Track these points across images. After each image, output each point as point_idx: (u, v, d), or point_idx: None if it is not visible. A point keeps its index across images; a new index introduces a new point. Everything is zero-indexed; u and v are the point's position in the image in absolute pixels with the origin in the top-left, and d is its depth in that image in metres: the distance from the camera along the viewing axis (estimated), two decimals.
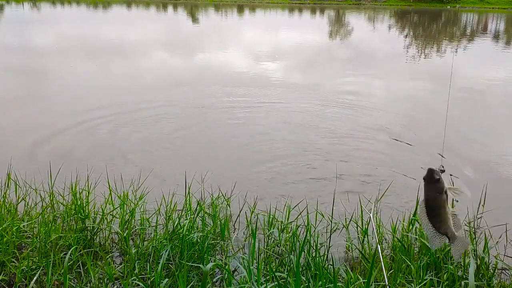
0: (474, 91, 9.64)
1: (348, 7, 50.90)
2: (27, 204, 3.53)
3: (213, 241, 3.15)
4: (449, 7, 50.97)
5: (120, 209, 3.43)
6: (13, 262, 2.80)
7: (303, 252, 2.83)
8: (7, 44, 15.28)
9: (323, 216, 3.63)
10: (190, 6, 46.35)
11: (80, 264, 2.83)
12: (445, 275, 2.74)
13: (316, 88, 9.71)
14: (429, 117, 7.41)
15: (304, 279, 2.56)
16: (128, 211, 3.42)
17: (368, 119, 7.13)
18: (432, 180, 1.86)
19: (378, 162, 5.31)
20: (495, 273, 2.92)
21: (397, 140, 6.14)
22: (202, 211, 3.40)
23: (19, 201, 3.56)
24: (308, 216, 3.38)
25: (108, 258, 2.93)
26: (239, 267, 2.90)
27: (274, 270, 2.71)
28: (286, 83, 10.14)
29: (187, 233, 2.94)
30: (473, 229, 3.54)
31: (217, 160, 5.27)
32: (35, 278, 2.60)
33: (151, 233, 3.33)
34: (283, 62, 13.58)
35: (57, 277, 2.66)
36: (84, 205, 3.27)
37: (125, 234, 3.09)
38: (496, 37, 24.16)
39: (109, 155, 5.31)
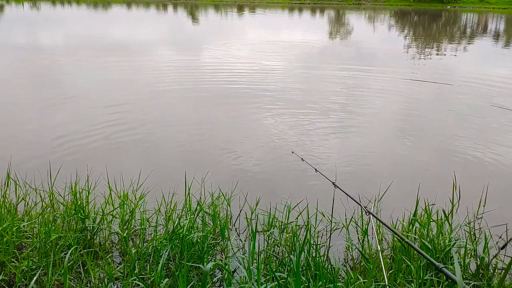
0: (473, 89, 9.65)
1: (348, 7, 50.88)
2: (27, 204, 3.53)
3: (213, 241, 3.15)
4: (449, 6, 50.96)
5: (120, 209, 3.43)
6: (13, 262, 2.80)
7: (303, 252, 2.83)
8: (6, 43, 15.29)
9: (324, 216, 3.63)
10: (190, 6, 46.32)
11: (80, 264, 2.83)
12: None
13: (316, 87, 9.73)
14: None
15: (304, 279, 2.56)
16: (128, 211, 3.42)
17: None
18: None
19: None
20: (495, 273, 2.92)
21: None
22: (202, 211, 3.40)
23: (19, 201, 3.56)
24: (308, 216, 3.38)
25: (108, 258, 2.93)
26: (239, 267, 2.90)
27: (274, 270, 2.71)
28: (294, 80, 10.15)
29: (187, 233, 2.94)
30: (473, 229, 3.54)
31: (218, 158, 5.27)
32: (35, 278, 2.60)
33: (151, 233, 3.33)
34: (284, 62, 13.58)
35: (57, 277, 2.66)
36: (84, 205, 3.27)
37: (125, 234, 3.09)
38: (496, 37, 24.17)
39: (109, 155, 5.31)
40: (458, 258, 2.95)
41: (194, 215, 3.36)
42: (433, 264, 1.80)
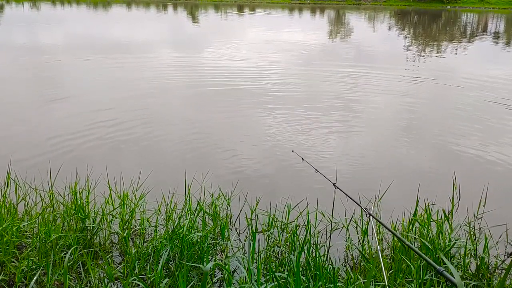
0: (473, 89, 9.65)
1: (348, 7, 50.92)
2: (27, 204, 3.53)
3: (213, 241, 3.15)
4: (449, 7, 51.01)
5: (120, 209, 3.43)
6: (13, 262, 2.80)
7: (303, 252, 2.83)
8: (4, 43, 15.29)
9: (324, 216, 3.63)
10: (190, 6, 46.35)
11: (80, 264, 2.83)
12: None
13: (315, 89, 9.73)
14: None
15: (304, 279, 2.56)
16: (128, 211, 3.42)
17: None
18: None
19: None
20: (495, 273, 2.92)
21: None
22: (202, 211, 3.40)
23: (19, 201, 3.56)
24: (308, 216, 3.38)
25: (108, 258, 2.93)
26: (239, 267, 2.90)
27: (274, 270, 2.71)
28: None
29: (187, 233, 2.94)
30: (473, 229, 3.54)
31: (218, 158, 5.27)
32: (35, 278, 2.60)
33: (151, 233, 3.33)
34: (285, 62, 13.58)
35: (57, 277, 2.66)
36: (84, 205, 3.27)
37: (125, 234, 3.09)
38: (496, 37, 24.18)
39: (109, 154, 5.31)
40: (457, 258, 2.95)
41: (194, 215, 3.36)
42: (434, 267, 1.80)
